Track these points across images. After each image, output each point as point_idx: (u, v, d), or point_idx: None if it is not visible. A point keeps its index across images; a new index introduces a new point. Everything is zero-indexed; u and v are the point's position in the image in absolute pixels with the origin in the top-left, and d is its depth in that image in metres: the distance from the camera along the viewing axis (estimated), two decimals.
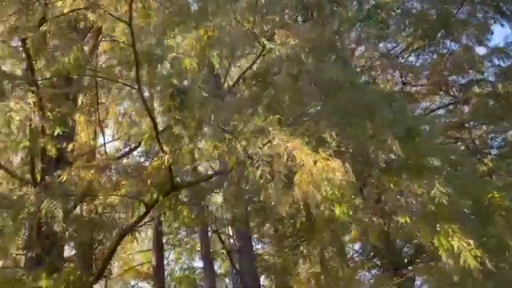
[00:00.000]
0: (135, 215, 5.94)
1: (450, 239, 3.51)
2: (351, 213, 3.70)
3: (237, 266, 9.67)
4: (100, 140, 9.38)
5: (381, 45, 12.01)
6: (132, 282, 17.25)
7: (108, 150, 9.29)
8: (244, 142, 3.56)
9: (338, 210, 3.57)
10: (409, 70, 11.52)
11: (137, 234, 7.06)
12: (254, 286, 9.49)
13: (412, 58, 12.22)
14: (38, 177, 7.43)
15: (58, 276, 6.09)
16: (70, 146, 7.55)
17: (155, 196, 5.51)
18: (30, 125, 6.04)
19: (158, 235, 13.95)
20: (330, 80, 4.34)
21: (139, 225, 6.42)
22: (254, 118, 3.71)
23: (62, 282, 6.07)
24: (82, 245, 8.01)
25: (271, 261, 10.78)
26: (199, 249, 16.45)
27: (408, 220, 3.93)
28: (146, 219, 7.02)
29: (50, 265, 6.51)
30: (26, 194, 4.98)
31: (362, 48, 12.13)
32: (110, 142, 9.40)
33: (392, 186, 4.00)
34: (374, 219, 4.30)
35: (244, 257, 9.58)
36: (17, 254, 8.90)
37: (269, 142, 3.59)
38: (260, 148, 3.52)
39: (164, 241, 14.83)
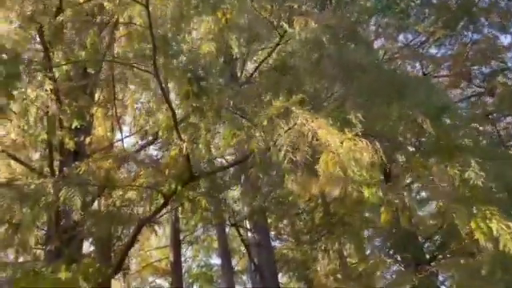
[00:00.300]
0: (153, 206, 5.86)
1: (487, 222, 3.31)
2: (381, 194, 3.51)
3: (255, 260, 9.53)
4: (117, 135, 9.36)
5: (401, 36, 11.74)
6: (150, 279, 17.30)
7: (125, 145, 9.27)
8: (265, 123, 3.40)
9: (366, 192, 3.39)
10: (430, 60, 11.22)
11: (155, 228, 6.98)
12: (273, 281, 9.35)
13: (433, 50, 11.93)
14: (57, 170, 7.46)
15: (76, 268, 6.06)
16: (88, 139, 7.54)
17: (173, 186, 5.41)
18: (47, 112, 6.00)
19: (175, 232, 13.92)
20: (353, 62, 4.17)
21: (157, 216, 6.34)
22: (274, 100, 3.55)
23: (80, 273, 6.05)
24: (101, 239, 8.00)
25: (290, 255, 10.63)
26: (216, 246, 16.44)
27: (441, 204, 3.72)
28: (164, 211, 6.95)
29: (69, 257, 6.49)
30: (43, 182, 4.93)
31: (382, 40, 11.87)
32: (127, 136, 9.36)
33: (422, 168, 3.80)
34: (406, 201, 4.10)
35: (262, 251, 9.44)
36: (36, 248, 8.96)
37: (292, 124, 3.42)
38: (282, 128, 3.36)
39: (181, 238, 14.81)
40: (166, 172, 5.26)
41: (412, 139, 3.85)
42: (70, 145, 7.50)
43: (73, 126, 7.53)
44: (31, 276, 6.00)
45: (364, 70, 4.11)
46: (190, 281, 17.41)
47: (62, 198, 4.64)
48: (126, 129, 10.46)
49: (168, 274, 15.73)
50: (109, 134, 8.87)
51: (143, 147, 8.01)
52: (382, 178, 3.91)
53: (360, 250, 13.73)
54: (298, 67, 4.54)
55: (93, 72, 8.36)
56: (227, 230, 13.82)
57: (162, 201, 5.65)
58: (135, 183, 5.47)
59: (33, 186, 4.70)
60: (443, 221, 11.23)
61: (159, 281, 17.37)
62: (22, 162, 8.26)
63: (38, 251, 9.30)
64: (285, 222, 10.95)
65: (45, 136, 7.44)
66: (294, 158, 3.32)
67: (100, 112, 8.28)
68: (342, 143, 3.26)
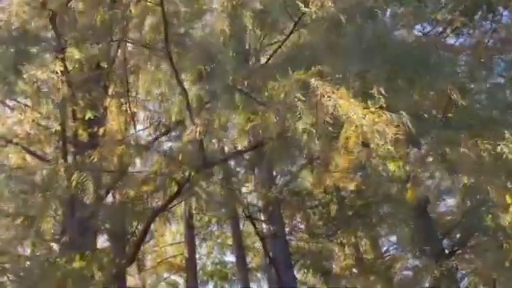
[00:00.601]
0: (167, 195, 5.75)
1: None
2: (408, 168, 3.31)
3: (270, 254, 9.38)
4: (131, 131, 9.30)
5: (418, 26, 11.45)
6: (165, 275, 17.29)
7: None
8: (282, 96, 3.25)
9: (391, 166, 3.20)
10: (449, 49, 10.90)
11: (169, 217, 6.88)
12: (289, 274, 9.18)
13: (451, 40, 11.62)
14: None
15: (90, 257, 6.00)
16: (101, 130, 7.48)
17: (187, 174, 5.30)
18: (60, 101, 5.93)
19: (190, 228, 13.87)
20: (372, 39, 3.99)
21: (171, 206, 6.24)
22: (292, 74, 3.36)
23: (94, 263, 5.99)
24: (115, 231, 7.96)
25: (306, 247, 10.44)
26: (230, 243, 16.35)
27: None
28: (176, 202, 6.83)
29: (84, 247, 6.44)
30: (55, 167, 4.86)
31: (398, 31, 11.58)
32: (141, 130, 9.30)
33: (451, 143, 3.59)
34: (437, 174, 3.89)
35: (278, 244, 9.28)
36: (50, 241, 8.96)
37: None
38: (300, 101, 3.19)
39: (195, 234, 14.76)
40: (179, 157, 5.13)
41: (438, 114, 3.64)
42: (83, 136, 7.47)
43: (86, 118, 7.51)
44: (45, 266, 5.96)
45: (384, 46, 3.93)
46: (205, 278, 17.34)
47: (74, 183, 4.55)
48: (139, 126, 10.44)
49: (183, 271, 15.67)
50: (123, 128, 8.81)
51: (156, 139, 7.94)
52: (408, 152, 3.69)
53: (375, 243, 13.51)
54: (316, 45, 4.36)
55: (106, 66, 8.36)
56: (241, 225, 13.70)
57: (175, 189, 5.53)
58: (149, 170, 5.36)
59: (45, 172, 4.62)
60: (463, 214, 11.00)
61: (174, 277, 17.35)
62: (35, 155, 8.27)
63: (54, 245, 9.33)
64: (300, 214, 10.75)
65: (58, 127, 7.43)
66: (313, 130, 3.14)
67: (114, 104, 8.22)
68: (364, 116, 3.10)
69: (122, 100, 9.26)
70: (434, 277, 9.63)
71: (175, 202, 6.50)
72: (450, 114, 3.55)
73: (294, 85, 3.24)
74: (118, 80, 8.95)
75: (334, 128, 3.21)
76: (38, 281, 5.66)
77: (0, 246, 7.89)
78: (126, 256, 6.56)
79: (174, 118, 5.15)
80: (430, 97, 3.51)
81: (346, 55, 4.07)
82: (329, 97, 3.19)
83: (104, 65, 8.14)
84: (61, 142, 7.41)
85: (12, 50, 3.96)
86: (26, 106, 8.17)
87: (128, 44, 8.49)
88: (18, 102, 8.30)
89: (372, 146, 3.07)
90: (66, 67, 5.22)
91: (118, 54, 8.66)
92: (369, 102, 3.24)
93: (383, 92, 3.27)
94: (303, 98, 3.18)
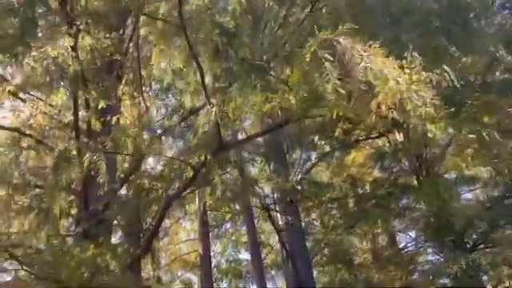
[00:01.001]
0: (182, 182, 5.58)
1: None
2: (450, 130, 3.06)
3: (287, 246, 9.15)
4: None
5: None
6: (179, 273, 17.22)
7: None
8: (308, 57, 3.03)
9: (433, 127, 2.95)
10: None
11: (184, 204, 6.71)
12: (306, 266, 8.94)
13: None
14: None
15: (104, 246, 5.87)
16: (115, 119, 7.36)
17: (202, 158, 5.11)
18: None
19: (204, 224, 13.74)
20: (399, 8, 3.74)
21: (187, 191, 6.07)
22: (318, 34, 3.11)
23: (109, 253, 5.85)
24: (129, 223, 7.84)
25: (325, 240, 10.19)
26: (244, 240, 16.19)
27: None
28: (191, 190, 6.66)
29: (97, 238, 6.31)
30: (68, 148, 4.73)
31: None
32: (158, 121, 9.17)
33: (491, 106, 3.34)
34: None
35: (295, 236, 9.05)
36: (66, 236, 8.89)
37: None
38: (328, 61, 2.97)
39: (209, 231, 14.63)
40: (195, 140, 4.96)
41: (478, 76, 3.37)
42: (96, 126, 7.35)
43: (99, 107, 7.40)
44: (59, 255, 5.84)
45: (412, 13, 3.68)
46: (219, 276, 17.22)
47: (86, 162, 4.40)
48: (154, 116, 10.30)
49: (197, 268, 15.56)
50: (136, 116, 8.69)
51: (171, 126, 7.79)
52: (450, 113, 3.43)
53: (393, 239, 13.21)
54: (341, 10, 4.09)
55: (119, 58, 8.25)
56: (256, 221, 13.52)
57: (191, 174, 5.35)
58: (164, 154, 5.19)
59: (56, 152, 4.48)
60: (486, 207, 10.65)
61: (188, 275, 17.27)
62: (48, 146, 8.20)
63: (68, 240, 9.27)
64: (318, 206, 10.50)
65: (71, 117, 7.33)
66: (342, 92, 2.92)
67: (126, 91, 8.10)
68: (400, 75, 2.86)
69: (135, 93, 9.19)
70: (456, 271, 9.31)
71: (190, 190, 6.33)
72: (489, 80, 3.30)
73: (321, 44, 3.01)
74: (131, 70, 8.87)
75: (366, 88, 2.97)
76: (52, 270, 5.53)
77: (14, 239, 7.84)
78: (140, 246, 6.40)
79: (189, 100, 4.97)
80: (467, 61, 3.25)
81: (374, 22, 3.82)
82: (360, 55, 2.96)
83: (117, 56, 8.05)
84: (74, 133, 7.30)
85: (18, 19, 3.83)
86: (38, 98, 8.12)
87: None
88: (31, 94, 8.25)
89: (409, 107, 2.83)
90: (76, 43, 5.07)
91: (131, 45, 8.60)
92: (404, 62, 3.00)
93: (417, 55, 3.03)
94: (331, 58, 2.96)
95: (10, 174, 7.66)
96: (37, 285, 5.39)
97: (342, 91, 2.89)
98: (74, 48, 4.89)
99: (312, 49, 2.98)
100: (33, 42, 4.40)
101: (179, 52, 5.22)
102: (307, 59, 2.99)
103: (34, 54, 4.18)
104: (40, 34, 4.56)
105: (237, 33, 3.96)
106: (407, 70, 2.93)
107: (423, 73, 2.96)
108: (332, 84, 2.85)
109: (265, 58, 4.13)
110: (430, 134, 2.97)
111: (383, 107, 2.91)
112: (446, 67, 2.99)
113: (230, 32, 4.00)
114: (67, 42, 4.72)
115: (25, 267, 6.50)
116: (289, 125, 4.67)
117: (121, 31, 8.40)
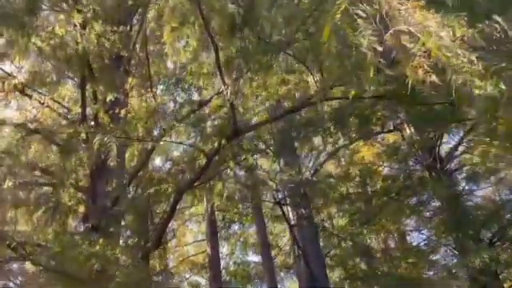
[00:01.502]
0: (194, 170, 5.39)
1: None
2: (502, 86, 2.83)
3: (299, 243, 8.90)
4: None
5: None
6: (187, 275, 17.01)
7: None
8: (337, 15, 2.82)
9: (482, 84, 2.72)
10: None
11: (196, 193, 6.52)
12: (319, 262, 8.70)
13: None
14: None
15: (114, 241, 5.70)
16: (123, 112, 7.20)
17: (216, 144, 4.92)
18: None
19: (212, 223, 13.54)
20: None
21: (199, 182, 5.87)
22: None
23: (118, 247, 5.68)
24: (138, 218, 7.68)
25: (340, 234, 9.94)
26: (252, 241, 15.98)
27: None
28: (203, 180, 6.46)
29: (107, 229, 6.14)
30: (77, 129, 4.55)
31: None
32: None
33: None
34: None
35: (307, 232, 8.81)
36: (75, 234, 8.74)
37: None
38: (361, 18, 2.75)
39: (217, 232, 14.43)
40: (208, 125, 4.77)
41: None
42: (104, 119, 7.20)
43: (107, 100, 7.26)
44: (68, 247, 5.66)
45: None
46: (228, 278, 16.99)
47: (96, 145, 4.22)
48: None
49: (205, 269, 15.34)
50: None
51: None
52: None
53: (404, 239, 12.93)
54: None
55: (126, 54, 8.12)
56: (266, 220, 13.30)
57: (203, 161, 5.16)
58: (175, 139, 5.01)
59: (65, 135, 4.30)
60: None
61: (196, 277, 17.06)
62: (56, 143, 8.07)
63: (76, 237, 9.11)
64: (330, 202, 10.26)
65: (79, 110, 7.20)
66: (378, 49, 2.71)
67: (135, 83, 7.95)
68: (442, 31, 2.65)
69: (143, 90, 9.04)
70: (473, 269, 9.02)
71: (201, 181, 6.13)
72: None
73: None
74: (139, 63, 8.72)
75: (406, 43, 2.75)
76: (62, 263, 5.36)
77: (23, 236, 7.69)
78: (151, 238, 6.21)
79: (203, 81, 4.78)
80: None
81: None
82: (398, 10, 2.76)
83: (125, 53, 7.93)
84: (81, 126, 7.17)
85: None
86: (45, 95, 8.00)
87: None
88: (39, 92, 8.14)
89: (453, 63, 2.62)
90: (85, 19, 4.91)
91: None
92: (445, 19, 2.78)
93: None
94: (364, 15, 2.75)
95: (18, 171, 7.55)
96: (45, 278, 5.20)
97: (379, 48, 2.69)
98: (82, 25, 4.73)
99: (343, 6, 2.78)
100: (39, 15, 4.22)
101: (192, 30, 5.03)
102: (338, 16, 2.80)
103: (41, 33, 4.03)
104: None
105: (254, 5, 3.78)
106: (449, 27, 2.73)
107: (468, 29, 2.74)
108: (368, 40, 2.66)
109: (283, 32, 3.93)
110: (478, 91, 2.72)
111: (420, 72, 2.70)
112: (496, 17, 2.77)
113: (247, 3, 3.82)
114: (76, 18, 4.57)
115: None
116: (305, 108, 4.45)
117: (127, 27, 8.29)
